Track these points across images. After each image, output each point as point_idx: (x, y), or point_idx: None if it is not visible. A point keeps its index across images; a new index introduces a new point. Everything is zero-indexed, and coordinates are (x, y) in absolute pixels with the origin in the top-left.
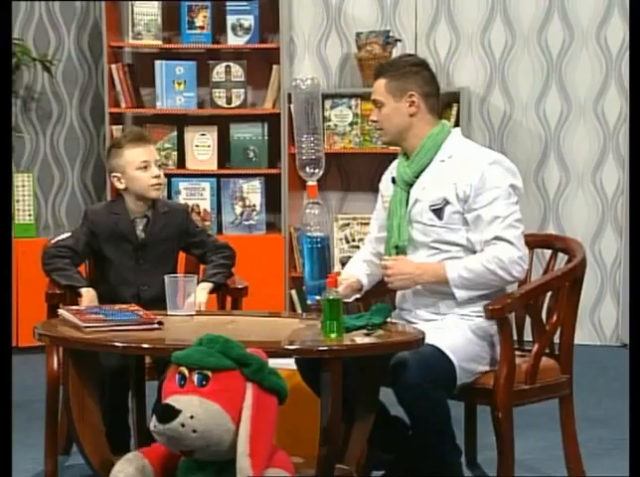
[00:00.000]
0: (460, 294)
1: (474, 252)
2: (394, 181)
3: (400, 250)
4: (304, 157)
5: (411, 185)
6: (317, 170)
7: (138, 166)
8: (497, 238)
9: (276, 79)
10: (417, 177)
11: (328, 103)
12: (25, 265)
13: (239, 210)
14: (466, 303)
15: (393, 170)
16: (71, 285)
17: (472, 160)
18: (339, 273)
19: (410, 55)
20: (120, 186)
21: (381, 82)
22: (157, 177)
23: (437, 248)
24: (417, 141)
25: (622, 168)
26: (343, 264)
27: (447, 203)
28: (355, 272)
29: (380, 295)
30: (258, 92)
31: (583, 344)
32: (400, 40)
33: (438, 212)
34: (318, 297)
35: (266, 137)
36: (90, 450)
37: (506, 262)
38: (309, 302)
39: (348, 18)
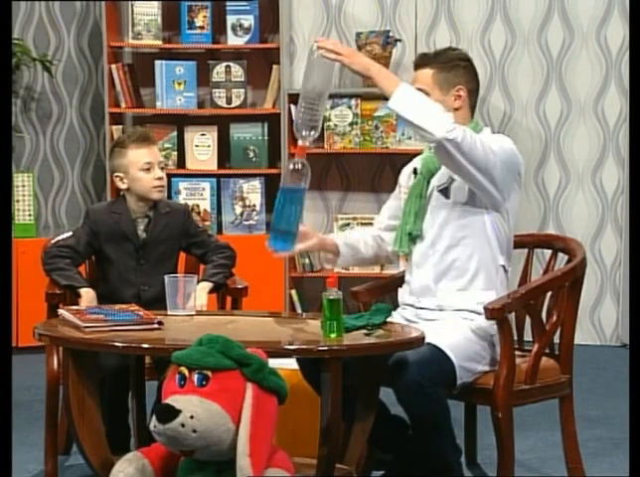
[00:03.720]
0: (394, 104)
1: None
2: (415, 172)
3: (412, 238)
4: (300, 121)
5: (433, 175)
6: (313, 132)
7: (142, 167)
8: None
9: (276, 79)
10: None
11: (328, 103)
12: (25, 265)
13: (238, 210)
14: (468, 296)
15: (417, 162)
16: (70, 285)
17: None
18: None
19: (455, 48)
20: (123, 186)
21: (427, 72)
22: (160, 179)
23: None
24: None
25: (622, 168)
26: None
27: (453, 180)
28: (339, 238)
29: (380, 295)
30: (258, 92)
31: (583, 344)
32: (400, 40)
33: (445, 191)
34: (280, 250)
35: (266, 137)
36: (90, 450)
37: (459, 126)
38: (269, 249)
39: (348, 18)
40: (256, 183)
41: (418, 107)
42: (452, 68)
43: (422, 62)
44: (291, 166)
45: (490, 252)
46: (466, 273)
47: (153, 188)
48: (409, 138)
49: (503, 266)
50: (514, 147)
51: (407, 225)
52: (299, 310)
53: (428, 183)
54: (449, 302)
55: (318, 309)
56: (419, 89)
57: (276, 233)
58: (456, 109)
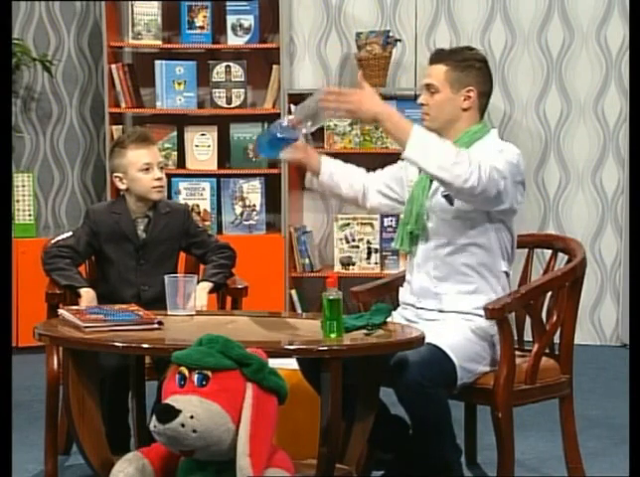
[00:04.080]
0: (410, 154)
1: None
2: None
3: (413, 237)
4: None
5: None
6: (309, 123)
7: (141, 168)
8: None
9: (276, 79)
10: None
11: None
12: (25, 265)
13: (239, 210)
14: (468, 300)
15: None
16: (70, 285)
17: (493, 146)
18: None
19: (472, 48)
20: (122, 186)
21: (440, 69)
22: (159, 179)
23: (449, 242)
24: (457, 135)
25: (622, 168)
26: (343, 264)
27: None
28: (327, 165)
29: (380, 295)
30: (258, 92)
31: (583, 344)
32: (400, 40)
33: (449, 197)
34: (264, 154)
35: None
36: (90, 450)
37: (474, 169)
38: (255, 151)
39: (348, 18)
40: (256, 183)
41: (435, 157)
42: (466, 68)
43: (437, 57)
44: (285, 122)
45: (493, 259)
46: (468, 278)
47: (152, 188)
48: None
49: (505, 272)
50: (520, 158)
51: (409, 224)
52: (299, 310)
53: (432, 181)
54: (450, 305)
55: (318, 309)
56: (430, 85)
57: (266, 137)
58: (464, 110)
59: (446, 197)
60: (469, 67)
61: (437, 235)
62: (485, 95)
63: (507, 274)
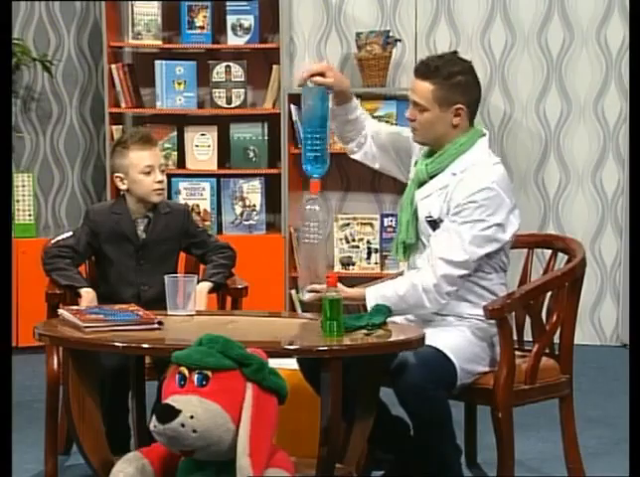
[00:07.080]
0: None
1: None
2: (416, 164)
3: (407, 247)
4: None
5: (423, 184)
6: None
7: (142, 170)
8: (431, 261)
9: (276, 79)
10: (432, 178)
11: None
12: (25, 265)
13: (239, 210)
14: (466, 304)
15: (419, 153)
16: (70, 285)
17: (473, 182)
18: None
19: (456, 57)
20: (122, 186)
21: (426, 87)
22: (160, 182)
23: None
24: (444, 147)
25: (622, 168)
26: (343, 264)
27: (441, 220)
28: (361, 112)
29: None
30: (258, 92)
31: (583, 344)
32: (399, 40)
33: (433, 224)
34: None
35: (266, 137)
36: (90, 450)
37: (421, 294)
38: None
39: (348, 18)
40: (256, 183)
41: (396, 311)
42: (452, 85)
43: (422, 74)
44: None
45: (486, 274)
46: (461, 291)
47: (153, 191)
48: None
49: (501, 283)
50: (497, 192)
51: (401, 234)
52: (299, 310)
53: (418, 186)
54: (448, 308)
55: (318, 309)
56: (417, 104)
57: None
58: (455, 126)
59: (429, 223)
60: (454, 84)
61: (428, 248)
62: (474, 104)
63: (503, 284)
